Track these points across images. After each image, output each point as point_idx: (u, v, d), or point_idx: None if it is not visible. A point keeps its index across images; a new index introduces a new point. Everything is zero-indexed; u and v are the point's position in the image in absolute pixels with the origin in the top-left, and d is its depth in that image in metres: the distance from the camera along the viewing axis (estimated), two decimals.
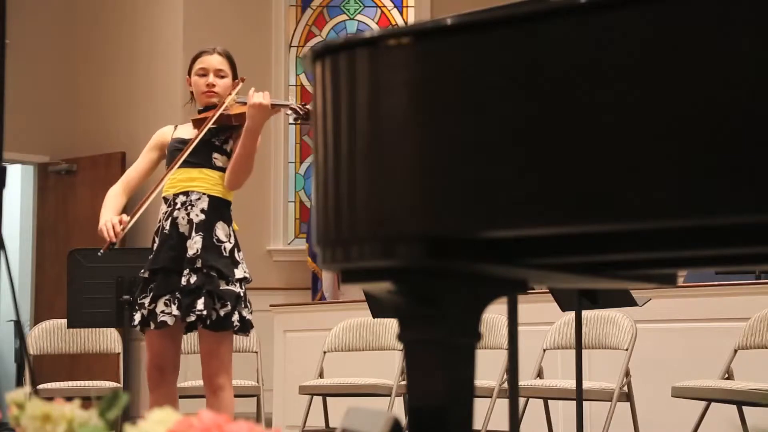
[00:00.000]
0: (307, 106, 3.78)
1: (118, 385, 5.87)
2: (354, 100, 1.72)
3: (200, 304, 3.68)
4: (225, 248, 3.79)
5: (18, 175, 9.09)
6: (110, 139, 8.64)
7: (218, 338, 3.76)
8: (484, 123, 1.62)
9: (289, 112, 3.80)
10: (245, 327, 3.79)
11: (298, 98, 9.13)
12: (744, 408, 4.81)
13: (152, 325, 3.77)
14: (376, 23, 9.14)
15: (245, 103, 3.78)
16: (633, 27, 1.53)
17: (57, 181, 8.86)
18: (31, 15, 8.79)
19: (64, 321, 5.00)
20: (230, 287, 3.74)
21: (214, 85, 3.89)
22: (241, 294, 3.78)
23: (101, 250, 3.76)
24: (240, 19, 8.64)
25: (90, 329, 5.99)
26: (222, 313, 3.71)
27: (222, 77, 3.91)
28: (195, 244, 3.74)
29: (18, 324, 3.61)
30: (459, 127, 1.64)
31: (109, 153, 8.61)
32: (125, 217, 3.77)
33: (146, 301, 3.79)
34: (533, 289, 4.90)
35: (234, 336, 3.82)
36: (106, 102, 8.86)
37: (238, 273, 3.79)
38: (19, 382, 8.17)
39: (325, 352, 6.08)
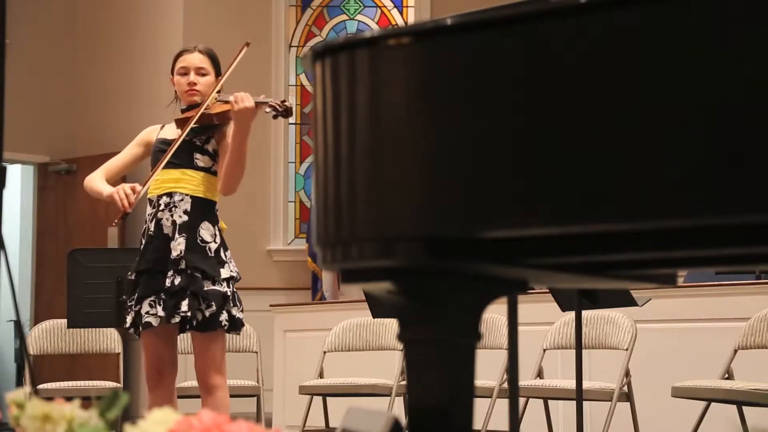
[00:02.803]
0: (286, 103, 3.77)
1: (118, 385, 5.87)
2: (354, 100, 1.72)
3: (184, 305, 3.69)
4: (210, 248, 3.78)
5: (18, 175, 9.09)
6: (110, 139, 8.62)
7: (208, 338, 3.77)
8: (484, 123, 1.62)
9: (268, 110, 3.77)
10: (235, 325, 3.79)
11: (298, 98, 9.14)
12: (744, 408, 4.81)
13: (139, 327, 3.77)
14: (376, 23, 9.14)
15: (227, 102, 3.77)
16: (632, 27, 1.53)
17: (57, 181, 8.85)
18: (31, 15, 8.79)
19: (64, 321, 5.00)
20: (216, 287, 3.73)
21: (195, 84, 3.89)
22: (228, 293, 3.76)
23: (115, 221, 3.74)
24: (240, 19, 8.64)
25: (90, 329, 5.98)
26: (207, 313, 3.71)
27: (203, 75, 3.90)
28: (179, 245, 3.74)
29: (18, 324, 3.61)
30: (459, 127, 1.64)
31: (109, 153, 8.55)
32: (138, 186, 3.76)
33: (133, 303, 3.80)
34: (533, 289, 4.90)
35: (227, 335, 3.82)
36: (106, 102, 8.86)
37: (225, 273, 3.77)
38: (19, 382, 8.19)
39: (325, 352, 6.08)
